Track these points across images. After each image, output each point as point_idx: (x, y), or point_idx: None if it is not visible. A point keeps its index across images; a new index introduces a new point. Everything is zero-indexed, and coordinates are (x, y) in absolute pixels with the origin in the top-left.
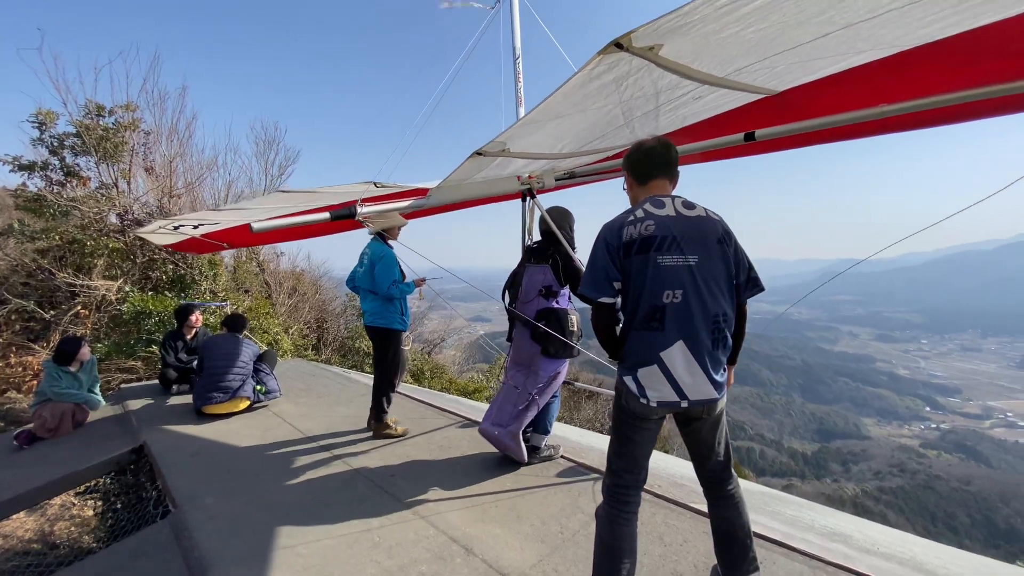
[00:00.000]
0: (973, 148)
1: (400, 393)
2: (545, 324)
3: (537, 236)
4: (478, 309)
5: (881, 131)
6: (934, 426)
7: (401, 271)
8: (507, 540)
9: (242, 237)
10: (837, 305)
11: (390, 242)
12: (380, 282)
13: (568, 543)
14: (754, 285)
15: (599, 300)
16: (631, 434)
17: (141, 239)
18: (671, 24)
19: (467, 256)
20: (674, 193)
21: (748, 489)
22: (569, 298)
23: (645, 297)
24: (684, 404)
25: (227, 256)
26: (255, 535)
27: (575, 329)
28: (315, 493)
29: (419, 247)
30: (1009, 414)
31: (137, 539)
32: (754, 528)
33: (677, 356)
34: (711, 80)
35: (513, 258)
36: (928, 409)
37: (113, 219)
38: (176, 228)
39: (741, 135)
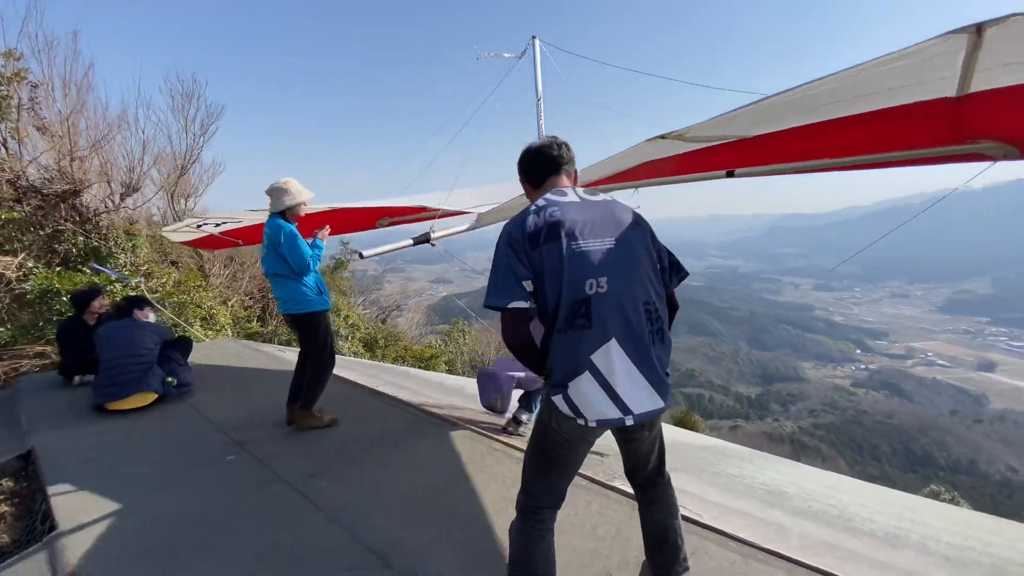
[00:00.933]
0: None
1: (334, 375)
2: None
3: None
4: (439, 271)
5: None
6: (863, 367)
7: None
8: (434, 548)
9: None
10: (781, 258)
11: (291, 218)
12: (296, 262)
13: (507, 550)
14: (678, 270)
15: (510, 306)
16: (557, 458)
17: (42, 209)
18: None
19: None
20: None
21: (692, 444)
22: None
23: (565, 291)
24: (629, 421)
25: (154, 225)
26: (141, 562)
27: None
28: (221, 502)
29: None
30: (929, 354)
31: (13, 571)
32: (691, 504)
33: (612, 358)
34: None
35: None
36: (859, 352)
37: (4, 186)
38: (199, 227)
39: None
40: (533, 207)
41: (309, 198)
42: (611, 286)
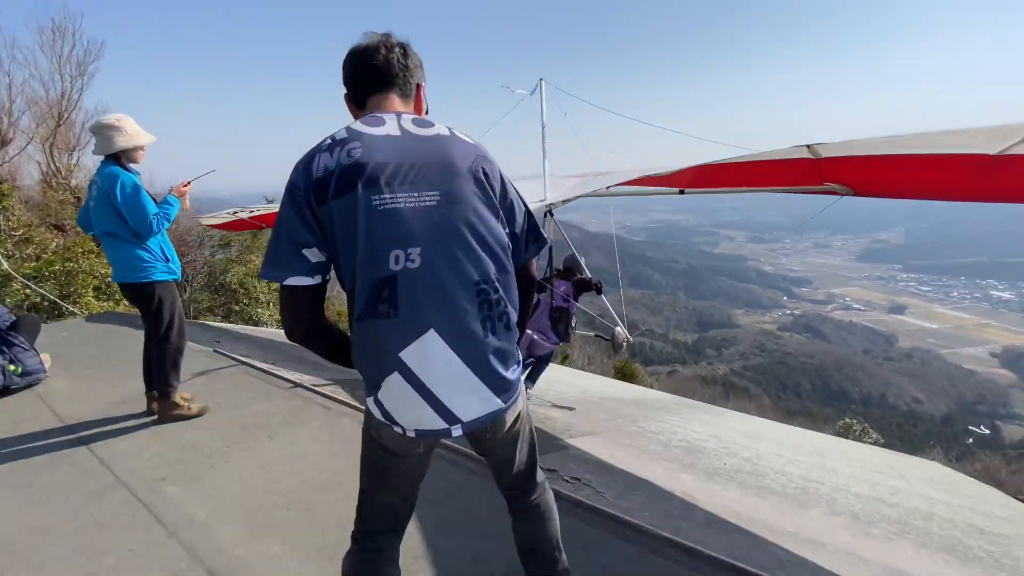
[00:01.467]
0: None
1: (225, 354)
2: (558, 316)
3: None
4: None
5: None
6: (789, 312)
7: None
8: (284, 562)
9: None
10: (719, 212)
11: (130, 166)
12: (136, 221)
13: None
14: (536, 237)
15: (287, 283)
16: (385, 473)
17: None
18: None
19: None
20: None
21: (623, 399)
22: (574, 304)
23: (362, 265)
24: (457, 431)
25: (31, 184)
26: None
27: (573, 326)
28: (51, 517)
29: (255, 152)
30: (847, 299)
31: None
32: (599, 478)
33: (429, 355)
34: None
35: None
36: (785, 298)
37: None
38: (234, 213)
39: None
40: (328, 140)
41: (149, 141)
42: (427, 259)
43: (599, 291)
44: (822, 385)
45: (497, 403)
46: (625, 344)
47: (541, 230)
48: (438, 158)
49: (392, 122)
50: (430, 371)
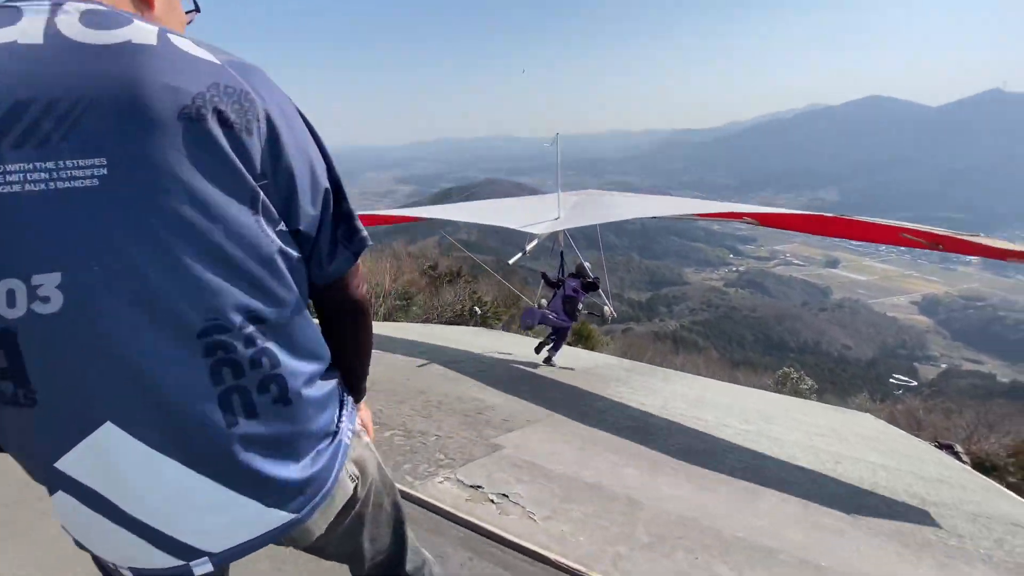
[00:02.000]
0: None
1: None
2: (570, 304)
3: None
4: None
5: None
6: (734, 269)
7: None
8: None
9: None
10: (672, 173)
11: None
12: None
13: None
14: (350, 234)
15: None
16: None
17: None
18: None
19: (322, 132)
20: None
21: (575, 373)
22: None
23: None
24: (202, 569)
25: None
26: None
27: (581, 308)
28: None
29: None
30: (787, 255)
31: None
32: (533, 486)
33: (114, 464)
34: None
35: (375, 137)
36: (731, 256)
37: None
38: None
39: None
40: None
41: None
42: (77, 294)
43: (596, 288)
44: (764, 337)
45: (276, 517)
46: (611, 319)
47: (356, 222)
48: (115, 91)
49: (34, 18)
50: (123, 488)
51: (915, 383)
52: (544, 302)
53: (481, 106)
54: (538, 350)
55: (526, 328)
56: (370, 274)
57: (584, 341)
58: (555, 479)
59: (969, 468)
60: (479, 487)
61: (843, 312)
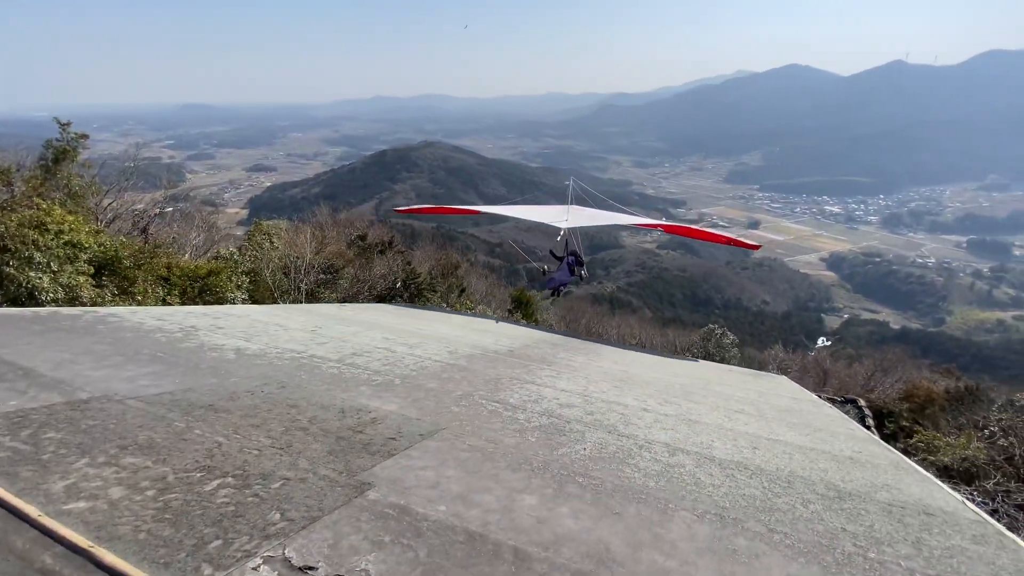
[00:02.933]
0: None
1: None
2: (571, 268)
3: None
4: (257, 156)
5: None
6: (666, 232)
7: None
8: None
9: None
10: (607, 136)
11: None
12: None
13: None
14: None
15: None
16: None
17: None
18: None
19: (235, 90)
20: None
21: (498, 352)
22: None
23: None
24: None
25: None
26: None
27: (577, 273)
28: None
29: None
30: (714, 217)
31: None
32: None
33: None
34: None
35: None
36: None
37: None
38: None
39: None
40: None
41: None
42: None
43: (583, 263)
44: (692, 295)
45: None
46: (585, 278)
47: None
48: None
49: None
50: None
51: (829, 343)
52: (552, 270)
53: (418, 63)
54: (554, 294)
55: (552, 294)
56: (289, 246)
57: (524, 307)
58: (426, 533)
59: (876, 439)
60: (310, 569)
61: (762, 270)
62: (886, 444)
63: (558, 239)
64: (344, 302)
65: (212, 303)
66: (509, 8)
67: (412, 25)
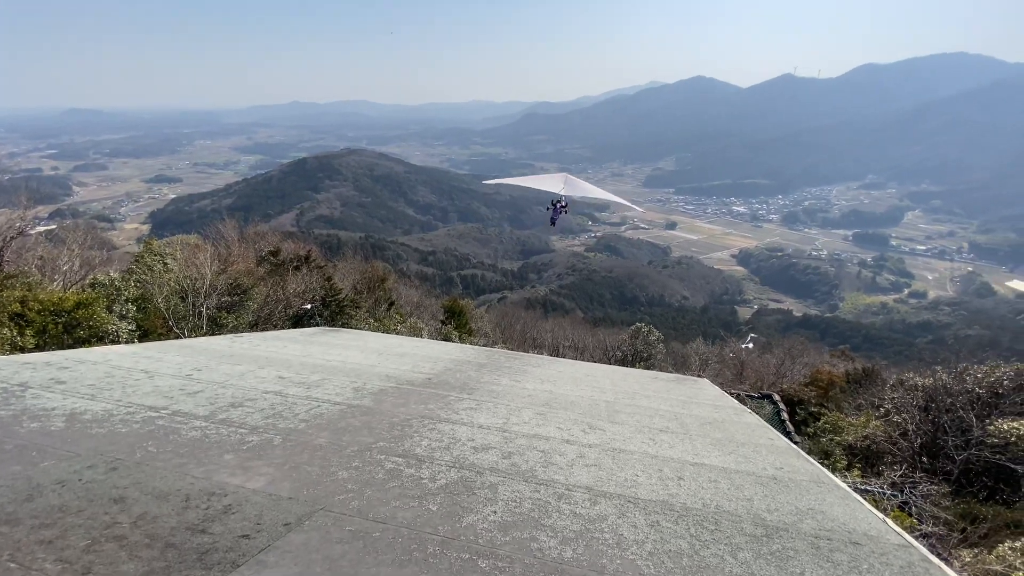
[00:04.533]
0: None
1: None
2: (562, 210)
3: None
4: (158, 166)
5: None
6: (593, 235)
7: None
8: None
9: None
10: (534, 144)
11: None
12: None
13: None
14: None
15: None
16: None
17: None
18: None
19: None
20: None
21: (412, 385)
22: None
23: None
24: None
25: None
26: None
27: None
28: None
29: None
30: (636, 220)
31: None
32: None
33: None
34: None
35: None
36: (590, 223)
37: None
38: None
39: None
40: None
41: None
42: None
43: (566, 207)
44: (620, 294)
45: None
46: (567, 211)
47: None
48: None
49: None
50: None
51: (752, 343)
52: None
53: (338, 68)
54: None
55: (552, 223)
56: (187, 267)
57: (457, 317)
58: None
59: (796, 449)
60: None
61: (681, 267)
62: (807, 456)
63: (557, 198)
64: (253, 326)
65: (84, 341)
66: (434, 15)
67: (331, 28)
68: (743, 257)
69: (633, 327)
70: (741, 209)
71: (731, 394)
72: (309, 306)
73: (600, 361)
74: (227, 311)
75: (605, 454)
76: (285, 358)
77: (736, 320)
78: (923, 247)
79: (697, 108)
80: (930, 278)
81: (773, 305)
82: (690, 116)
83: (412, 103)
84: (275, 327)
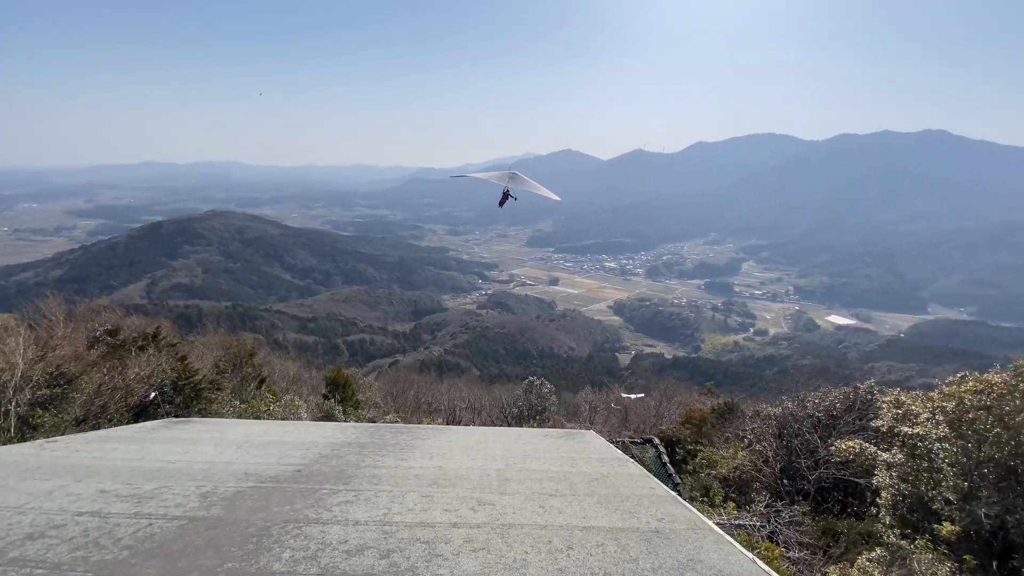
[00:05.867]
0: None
1: None
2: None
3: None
4: None
5: None
6: (484, 292)
7: None
8: None
9: None
10: (420, 207)
11: None
12: None
13: None
14: None
15: None
16: None
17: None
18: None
19: None
20: None
21: (285, 493)
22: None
23: None
24: None
25: None
26: None
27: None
28: None
29: None
30: (523, 276)
31: None
32: None
33: None
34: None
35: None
36: (480, 281)
37: None
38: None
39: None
40: None
41: None
42: None
43: (514, 199)
44: (512, 349)
45: None
46: (514, 198)
47: None
48: None
49: None
50: None
51: (641, 395)
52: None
53: (202, 127)
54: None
55: (500, 205)
56: None
57: (341, 389)
58: None
59: (674, 495)
60: None
61: (566, 320)
62: (684, 503)
63: (505, 188)
64: (81, 423)
65: None
66: (307, 78)
67: (189, 85)
68: (618, 307)
69: (526, 381)
70: (612, 264)
71: (616, 442)
72: (154, 394)
73: (498, 419)
74: (45, 407)
75: (494, 533)
76: (113, 464)
77: (618, 366)
78: (759, 291)
79: (567, 177)
80: (768, 317)
81: (647, 350)
82: (562, 183)
83: (289, 164)
84: (110, 422)
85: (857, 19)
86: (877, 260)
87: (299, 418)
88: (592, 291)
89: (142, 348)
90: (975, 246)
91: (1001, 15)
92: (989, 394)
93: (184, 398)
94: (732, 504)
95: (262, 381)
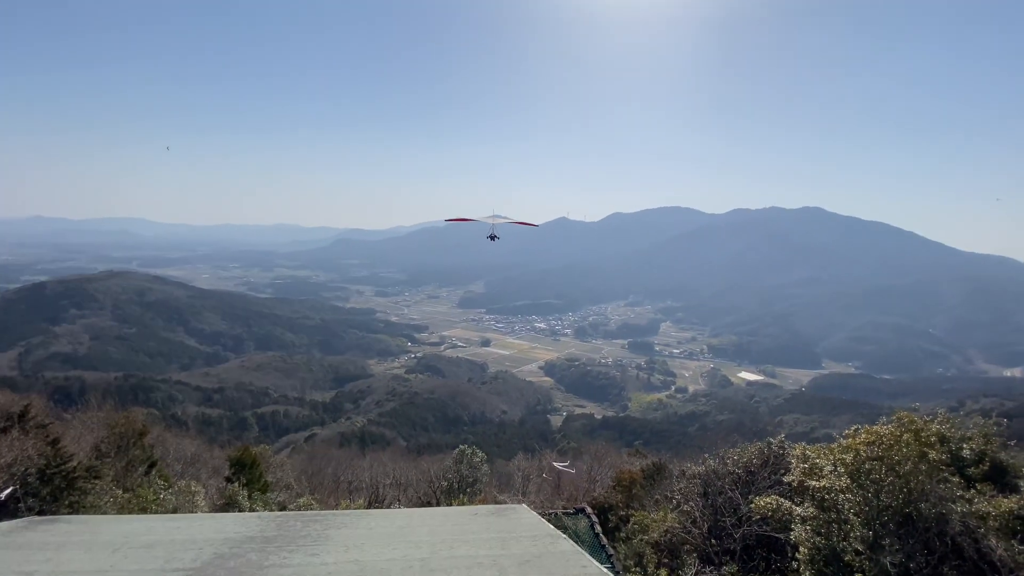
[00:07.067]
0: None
1: None
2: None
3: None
4: None
5: None
6: (413, 356)
7: None
8: None
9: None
10: (347, 268)
11: None
12: None
13: None
14: None
15: None
16: None
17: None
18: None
19: None
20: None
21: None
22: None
23: None
24: None
25: None
26: None
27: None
28: None
29: None
30: (454, 338)
31: None
32: None
33: None
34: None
35: None
36: (409, 344)
37: None
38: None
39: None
40: None
41: None
42: None
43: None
44: (443, 416)
45: None
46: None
47: None
48: None
49: None
50: None
51: (572, 470)
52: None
53: (101, 181)
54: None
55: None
56: None
57: (248, 470)
58: None
59: (602, 570)
60: None
61: (498, 382)
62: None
63: (491, 232)
64: None
65: None
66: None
67: (85, 133)
68: (548, 368)
69: (457, 450)
70: (542, 325)
71: (549, 515)
72: (10, 489)
73: (426, 495)
74: None
75: None
76: None
77: (550, 429)
78: (677, 350)
79: (498, 240)
80: (687, 375)
81: (578, 410)
82: (492, 247)
83: (202, 223)
84: None
85: (754, 105)
86: (776, 320)
87: (196, 507)
88: (523, 352)
89: (4, 431)
90: (853, 307)
91: (853, 110)
92: (880, 445)
93: (52, 490)
94: (664, 571)
95: (152, 464)
